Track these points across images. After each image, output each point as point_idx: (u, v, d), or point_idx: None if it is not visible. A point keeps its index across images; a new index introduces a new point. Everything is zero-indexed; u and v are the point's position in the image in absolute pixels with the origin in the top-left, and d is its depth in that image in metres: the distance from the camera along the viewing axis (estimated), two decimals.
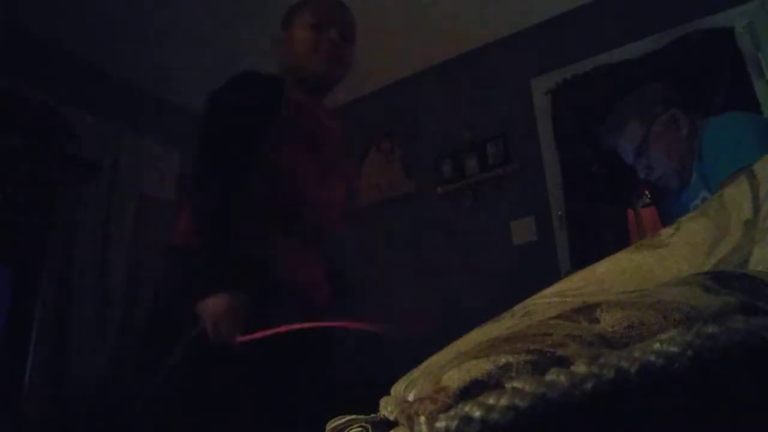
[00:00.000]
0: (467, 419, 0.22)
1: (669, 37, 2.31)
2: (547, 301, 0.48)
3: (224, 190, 1.12)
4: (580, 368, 0.23)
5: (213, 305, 1.04)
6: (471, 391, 0.25)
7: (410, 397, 0.29)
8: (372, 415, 0.37)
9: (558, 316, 0.31)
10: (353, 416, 0.39)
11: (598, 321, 0.28)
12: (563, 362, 0.24)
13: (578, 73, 2.51)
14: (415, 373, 0.37)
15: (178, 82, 2.92)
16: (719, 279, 0.33)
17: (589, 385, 0.22)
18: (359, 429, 0.37)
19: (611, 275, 0.53)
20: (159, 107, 3.05)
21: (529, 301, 0.51)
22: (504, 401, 0.22)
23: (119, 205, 2.67)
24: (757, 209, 0.46)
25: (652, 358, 0.23)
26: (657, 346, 0.24)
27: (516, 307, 0.51)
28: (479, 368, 0.26)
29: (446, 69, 3.03)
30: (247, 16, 2.64)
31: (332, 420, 0.39)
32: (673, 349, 0.23)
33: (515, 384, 0.23)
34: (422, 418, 0.24)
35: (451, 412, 0.24)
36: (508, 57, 2.82)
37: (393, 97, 3.16)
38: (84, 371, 2.34)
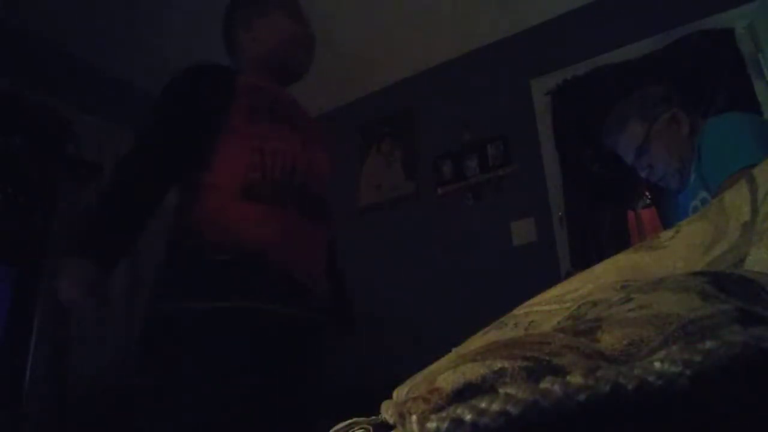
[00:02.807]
0: (458, 421, 0.22)
1: (669, 37, 2.31)
2: (548, 309, 0.48)
3: (159, 164, 1.14)
4: (576, 379, 0.23)
5: (65, 264, 1.06)
6: (464, 393, 0.24)
7: (404, 396, 0.29)
8: (373, 417, 0.38)
9: (560, 329, 0.31)
10: (355, 419, 0.39)
11: (598, 341, 0.28)
12: (559, 371, 0.24)
13: (578, 74, 2.52)
14: (418, 377, 0.37)
15: None
16: (717, 282, 0.33)
17: (582, 397, 0.22)
18: (361, 431, 0.37)
19: (608, 273, 0.53)
20: None
21: (530, 308, 0.51)
22: (496, 406, 0.22)
23: None
24: (755, 212, 0.46)
25: (651, 378, 0.23)
26: (657, 365, 0.23)
27: (518, 313, 0.51)
28: (474, 371, 0.26)
29: (446, 69, 3.03)
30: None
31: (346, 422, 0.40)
32: (673, 369, 0.23)
33: (509, 390, 0.23)
34: (414, 417, 0.24)
35: (443, 414, 0.24)
36: (508, 58, 2.82)
37: (393, 98, 3.17)
38: (84, 371, 2.34)
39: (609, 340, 0.28)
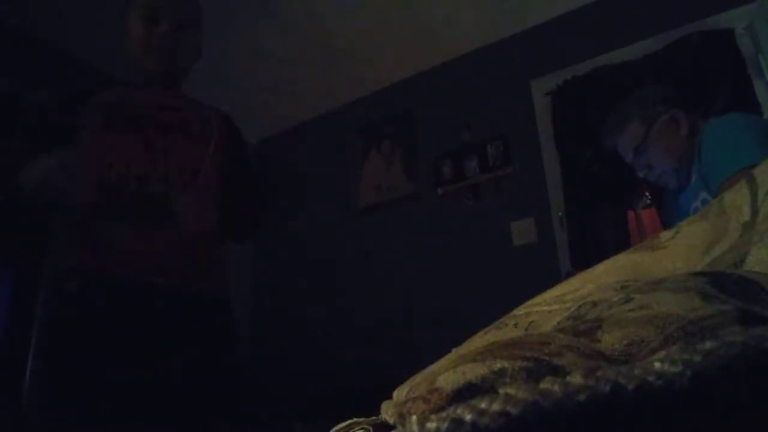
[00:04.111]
0: (458, 422, 0.22)
1: (669, 38, 2.31)
2: (548, 309, 0.48)
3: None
4: (576, 379, 0.23)
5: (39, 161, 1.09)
6: (464, 393, 0.24)
7: (404, 396, 0.29)
8: (373, 417, 0.38)
9: (560, 330, 0.31)
10: (355, 419, 0.39)
11: (598, 341, 0.28)
12: (559, 371, 0.24)
13: (578, 75, 2.52)
14: (418, 377, 0.37)
15: None
16: (717, 283, 0.33)
17: (582, 397, 0.22)
18: (361, 431, 0.37)
19: (608, 273, 0.53)
20: None
21: (530, 308, 0.51)
22: (496, 406, 0.22)
23: None
24: (755, 212, 0.46)
25: (652, 378, 0.23)
26: (657, 365, 0.23)
27: (518, 313, 0.51)
28: (474, 372, 0.26)
29: (446, 70, 3.03)
30: (247, 20, 2.64)
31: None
32: (673, 369, 0.23)
33: (509, 390, 0.23)
34: (414, 418, 0.24)
35: (443, 414, 0.24)
36: (508, 58, 2.82)
37: (393, 98, 3.17)
38: None
39: (609, 340, 0.28)
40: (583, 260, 2.21)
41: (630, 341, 0.27)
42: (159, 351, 1.13)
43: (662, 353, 0.25)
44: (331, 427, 0.40)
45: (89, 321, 1.10)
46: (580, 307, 0.42)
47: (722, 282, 0.33)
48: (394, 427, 0.30)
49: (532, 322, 0.47)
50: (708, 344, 0.24)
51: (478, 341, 0.46)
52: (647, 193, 1.96)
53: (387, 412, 0.34)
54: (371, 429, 0.37)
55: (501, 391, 0.24)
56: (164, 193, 1.19)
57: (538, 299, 0.52)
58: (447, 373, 0.27)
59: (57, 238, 1.24)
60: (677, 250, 0.52)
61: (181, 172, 1.23)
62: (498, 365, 0.26)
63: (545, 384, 0.23)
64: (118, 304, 1.12)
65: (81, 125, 1.22)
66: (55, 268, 1.19)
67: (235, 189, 1.34)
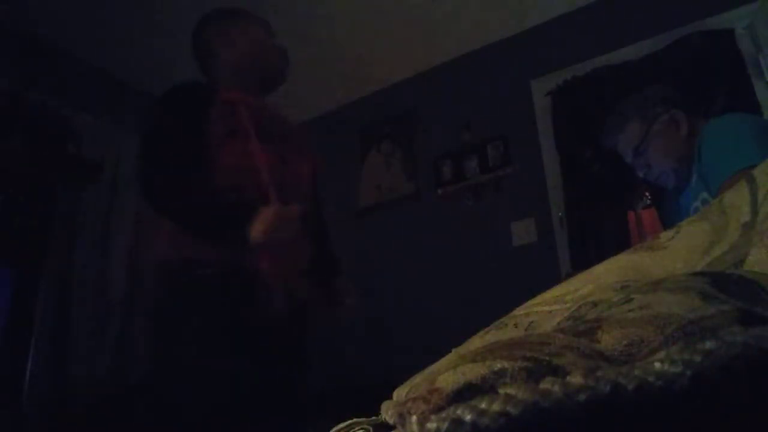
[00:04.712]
0: (458, 422, 0.22)
1: (669, 38, 2.31)
2: (548, 309, 0.48)
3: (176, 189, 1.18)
4: (576, 379, 0.23)
5: (264, 214, 1.11)
6: (464, 394, 0.24)
7: (404, 397, 0.29)
8: (373, 417, 0.38)
9: (560, 330, 0.31)
10: (355, 419, 0.39)
11: (598, 342, 0.28)
12: (559, 371, 0.24)
13: (578, 75, 2.52)
14: (418, 377, 0.37)
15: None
16: (717, 283, 0.33)
17: (582, 397, 0.22)
18: (361, 431, 0.37)
19: (608, 273, 0.53)
20: None
21: (530, 308, 0.51)
22: (496, 407, 0.22)
23: (119, 205, 2.67)
24: (755, 212, 0.46)
25: (651, 378, 0.23)
26: (657, 365, 0.23)
27: (518, 313, 0.51)
28: (474, 372, 0.26)
29: (446, 70, 3.03)
30: None
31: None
32: (673, 369, 0.23)
33: (509, 390, 0.23)
34: (414, 418, 0.24)
35: (443, 414, 0.24)
36: (508, 58, 2.82)
37: (393, 98, 3.17)
38: (84, 371, 2.34)
39: (609, 340, 0.28)
40: (583, 260, 2.21)
41: (630, 341, 0.27)
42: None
43: (662, 353, 0.25)
44: (331, 427, 0.40)
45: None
46: (580, 307, 0.42)
47: (722, 282, 0.33)
48: (394, 427, 0.30)
49: (532, 322, 0.47)
50: (708, 344, 0.24)
51: (478, 341, 0.46)
52: (647, 193, 1.96)
53: (387, 412, 0.34)
54: (371, 429, 0.37)
55: (501, 391, 0.24)
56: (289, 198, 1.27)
57: (538, 299, 0.52)
58: (447, 373, 0.27)
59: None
60: (677, 251, 0.52)
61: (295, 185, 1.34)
62: (498, 365, 0.26)
63: (545, 384, 0.23)
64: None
65: (217, 130, 1.24)
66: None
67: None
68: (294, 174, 1.34)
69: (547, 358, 0.25)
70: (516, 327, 0.48)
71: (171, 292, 1.21)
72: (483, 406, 0.23)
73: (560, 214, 2.43)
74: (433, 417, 0.24)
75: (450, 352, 0.44)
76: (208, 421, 1.09)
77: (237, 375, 1.13)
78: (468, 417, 0.22)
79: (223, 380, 1.12)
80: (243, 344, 1.15)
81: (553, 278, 1.55)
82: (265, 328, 1.20)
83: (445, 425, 0.23)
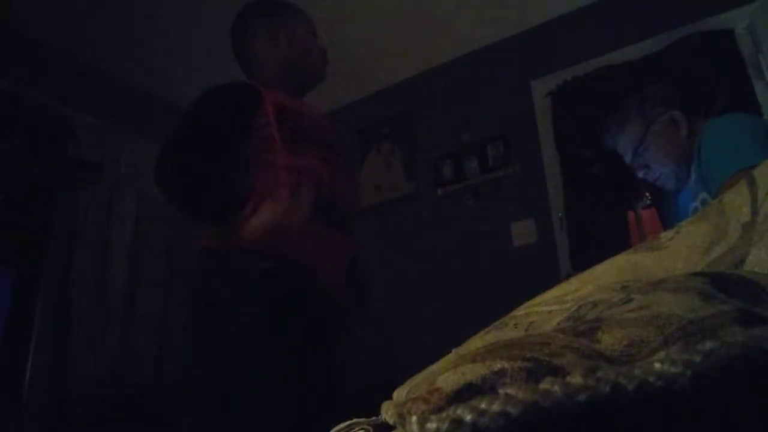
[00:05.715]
0: (458, 422, 0.22)
1: (669, 38, 2.31)
2: (548, 309, 0.48)
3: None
4: (576, 379, 0.23)
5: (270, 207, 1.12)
6: (464, 394, 0.24)
7: (404, 397, 0.29)
8: (373, 417, 0.38)
9: (560, 330, 0.31)
10: (355, 419, 0.39)
11: (598, 342, 0.28)
12: (559, 372, 0.24)
13: (578, 75, 2.51)
14: (418, 378, 0.37)
15: (178, 83, 2.93)
16: (717, 283, 0.33)
17: (582, 397, 0.22)
18: (361, 431, 0.37)
19: (608, 274, 0.53)
20: (159, 108, 3.05)
21: (530, 308, 0.51)
22: (496, 407, 0.22)
23: (119, 206, 2.67)
24: (755, 212, 0.46)
25: (652, 378, 0.23)
26: (657, 366, 0.23)
27: (518, 313, 0.51)
28: (474, 372, 0.26)
29: (446, 70, 3.03)
30: None
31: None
32: (673, 369, 0.23)
33: (509, 390, 0.23)
34: (414, 418, 0.24)
35: (443, 414, 0.24)
36: (508, 58, 2.82)
37: (393, 98, 3.17)
38: (84, 371, 2.34)
39: (609, 340, 0.28)
40: (583, 260, 2.21)
41: (630, 341, 0.27)
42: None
43: (662, 353, 0.25)
44: (331, 427, 0.40)
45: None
46: (580, 307, 0.42)
47: (722, 282, 0.33)
48: (394, 427, 0.30)
49: (532, 322, 0.47)
50: (708, 344, 0.24)
51: (478, 341, 0.46)
52: (647, 193, 1.96)
53: (387, 412, 0.34)
54: (371, 429, 0.37)
55: (501, 391, 0.24)
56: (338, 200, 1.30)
57: (538, 300, 0.52)
58: (447, 373, 0.27)
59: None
60: (677, 251, 0.52)
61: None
62: (498, 365, 0.26)
63: (545, 384, 0.23)
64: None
65: (263, 135, 1.23)
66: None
67: None
68: (342, 180, 1.33)
69: (547, 358, 0.25)
70: (516, 327, 0.48)
71: (228, 282, 1.17)
72: (483, 406, 0.23)
73: (560, 214, 2.43)
74: (433, 417, 0.24)
75: (450, 352, 0.44)
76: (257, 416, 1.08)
77: (288, 374, 1.10)
78: (468, 417, 0.22)
79: (274, 378, 1.09)
80: (297, 344, 1.13)
81: (553, 278, 1.55)
82: (319, 328, 1.19)
83: (445, 425, 0.23)
